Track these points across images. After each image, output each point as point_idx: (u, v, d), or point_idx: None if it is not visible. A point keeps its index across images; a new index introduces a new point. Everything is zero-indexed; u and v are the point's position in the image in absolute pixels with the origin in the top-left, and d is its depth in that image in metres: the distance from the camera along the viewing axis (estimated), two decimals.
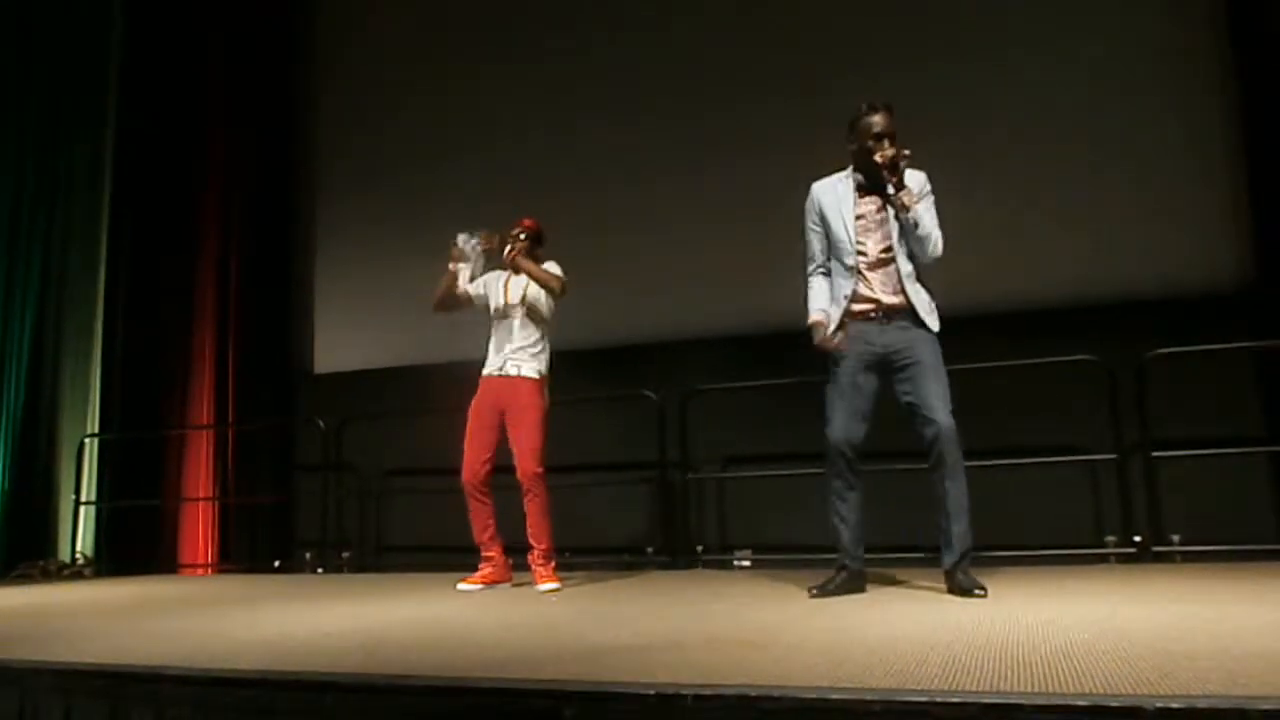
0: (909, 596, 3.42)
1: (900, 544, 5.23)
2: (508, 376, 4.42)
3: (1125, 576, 3.98)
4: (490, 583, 4.44)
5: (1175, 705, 1.55)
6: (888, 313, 3.46)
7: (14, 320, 7.72)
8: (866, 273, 3.49)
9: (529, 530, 4.34)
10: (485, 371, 4.51)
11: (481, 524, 4.43)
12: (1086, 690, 1.70)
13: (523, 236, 4.54)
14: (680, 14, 6.45)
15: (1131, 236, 5.35)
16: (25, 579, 6.59)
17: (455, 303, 4.62)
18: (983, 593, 3.26)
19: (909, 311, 3.44)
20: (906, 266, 3.47)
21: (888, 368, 3.47)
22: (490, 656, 2.42)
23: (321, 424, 6.76)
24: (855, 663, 2.04)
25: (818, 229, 3.62)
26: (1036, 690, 1.72)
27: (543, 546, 4.35)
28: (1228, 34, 5.30)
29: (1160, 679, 1.76)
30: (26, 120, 7.98)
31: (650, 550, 5.79)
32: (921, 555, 5.04)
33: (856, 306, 3.48)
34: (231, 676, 2.28)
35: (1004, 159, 5.59)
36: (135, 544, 7.04)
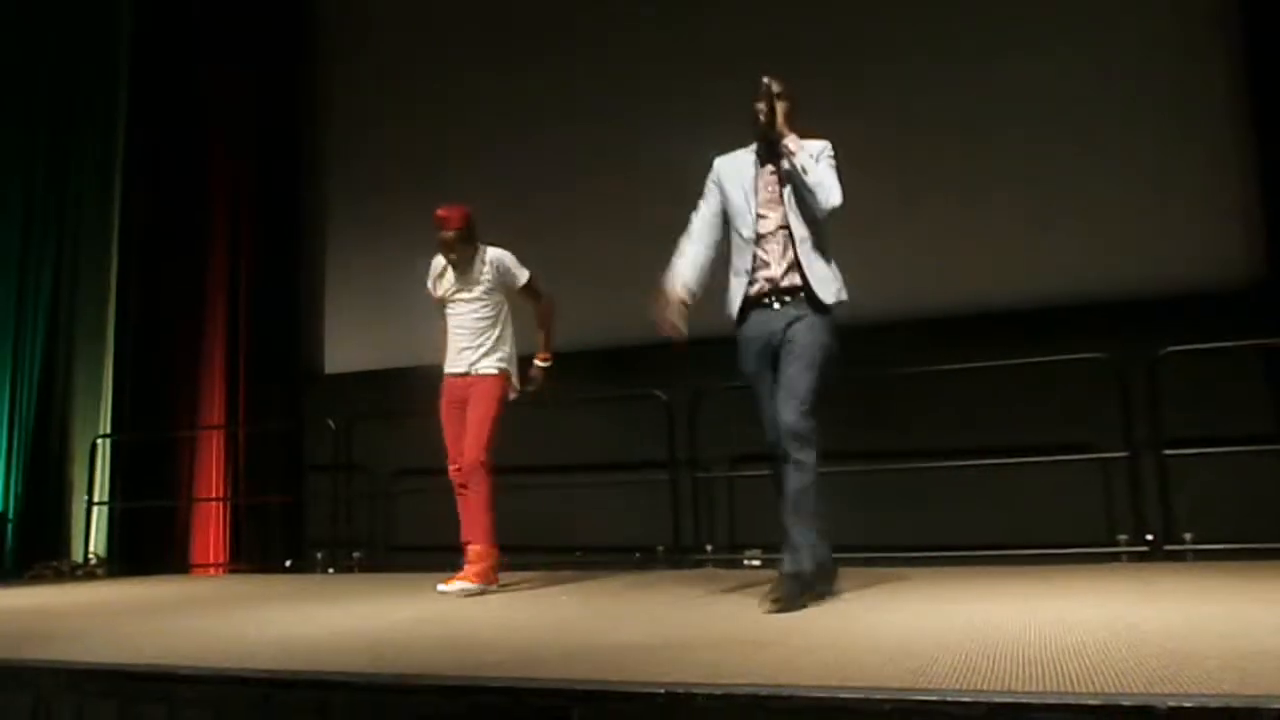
0: (919, 597, 3.41)
1: (907, 544, 5.23)
2: (468, 375, 4.31)
3: (1137, 575, 3.96)
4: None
5: (1187, 704, 1.54)
6: (784, 294, 3.29)
7: (27, 323, 7.76)
8: (765, 243, 3.33)
9: (465, 524, 4.20)
10: (446, 369, 4.39)
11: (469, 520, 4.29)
12: (1098, 689, 1.69)
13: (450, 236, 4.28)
14: (685, 14, 6.44)
15: (1143, 234, 5.32)
16: (39, 579, 6.62)
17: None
18: (772, 607, 2.94)
19: (804, 289, 3.27)
20: (803, 232, 3.30)
21: (776, 354, 3.30)
22: (499, 656, 2.42)
23: (332, 424, 6.77)
24: (866, 662, 2.04)
25: (710, 197, 3.48)
26: (1048, 689, 1.71)
27: (479, 540, 4.17)
28: (1239, 28, 5.27)
29: (1172, 678, 1.75)
30: (37, 127, 8.03)
31: (659, 550, 5.79)
32: (929, 555, 5.04)
33: (755, 288, 3.32)
34: (243, 676, 2.29)
35: (1013, 157, 5.56)
36: (147, 544, 7.07)
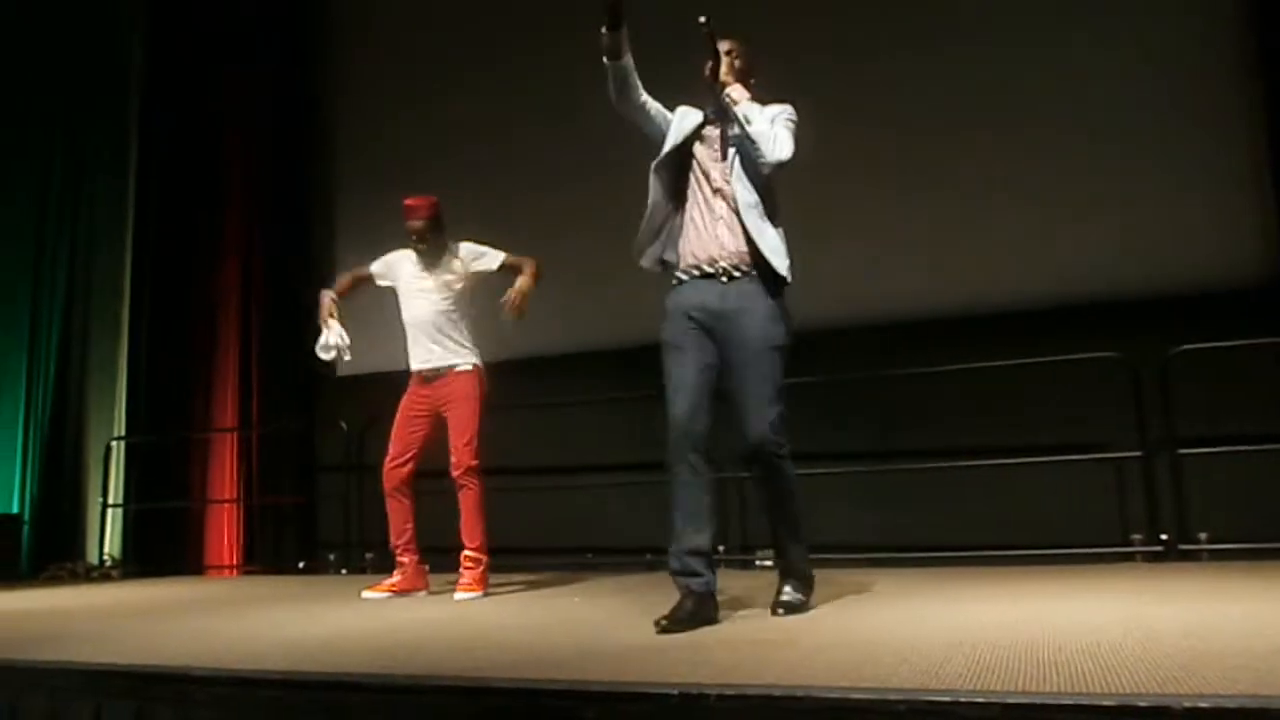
0: (931, 597, 3.40)
1: (919, 544, 5.21)
2: (439, 373, 4.22)
3: (1152, 575, 3.94)
4: (399, 591, 4.23)
5: (1203, 705, 1.53)
6: (729, 265, 2.99)
7: (42, 327, 7.82)
8: (710, 200, 3.05)
9: (461, 528, 4.14)
10: (413, 367, 4.30)
11: (399, 526, 4.26)
12: (1113, 690, 1.69)
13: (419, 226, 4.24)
14: (693, 14, 6.42)
15: (1156, 232, 5.28)
16: (54, 581, 6.67)
17: (364, 287, 4.46)
18: (783, 612, 2.93)
19: (752, 259, 2.97)
20: (749, 198, 3.01)
21: (714, 334, 2.97)
22: (512, 657, 2.43)
23: (344, 425, 6.79)
24: (878, 663, 2.03)
25: (658, 110, 3.19)
26: (1062, 690, 1.70)
27: (473, 546, 4.12)
28: (1253, 24, 5.24)
29: (1188, 678, 1.74)
30: (52, 129, 8.09)
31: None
32: (941, 555, 5.03)
33: (694, 256, 3.03)
34: (257, 677, 2.30)
35: (1024, 155, 5.53)
36: (161, 546, 7.10)
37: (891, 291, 5.64)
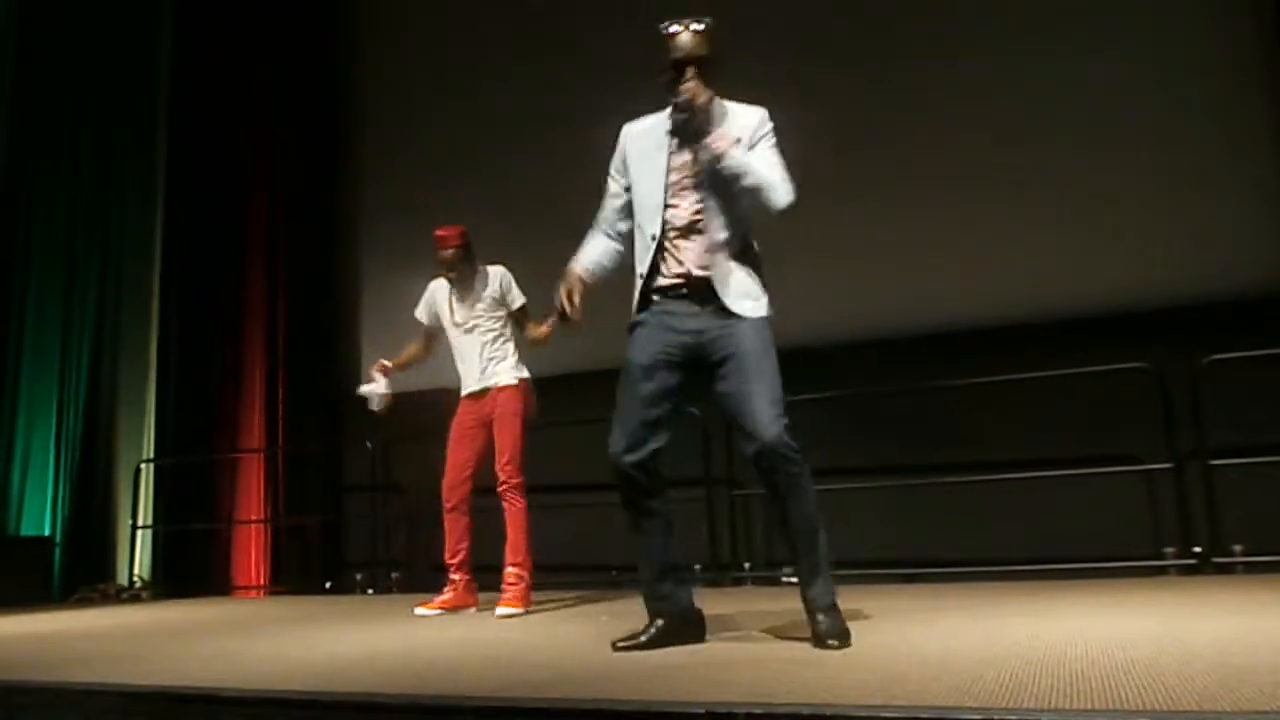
0: (961, 612, 3.36)
1: (948, 560, 5.16)
2: (487, 390, 4.32)
3: (1186, 589, 3.88)
4: (451, 608, 4.28)
5: None
6: (700, 290, 2.71)
7: (73, 352, 7.92)
8: (676, 240, 2.75)
9: (507, 544, 4.16)
10: (464, 391, 4.40)
11: (454, 544, 4.31)
12: (1148, 707, 1.66)
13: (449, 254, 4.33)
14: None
15: (1184, 240, 5.23)
16: (85, 602, 6.73)
17: (428, 353, 4.63)
18: (836, 644, 2.53)
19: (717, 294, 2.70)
20: (720, 235, 2.71)
21: (698, 362, 2.73)
22: (539, 676, 2.42)
23: (369, 445, 6.83)
24: (909, 680, 2.01)
25: (618, 179, 2.91)
26: (1097, 708, 1.68)
27: (515, 562, 4.14)
28: (1277, 32, 5.20)
29: (1225, 694, 1.71)
30: (82, 155, 8.20)
31: (697, 568, 5.76)
32: (970, 571, 4.98)
33: (660, 282, 2.76)
34: (285, 697, 2.30)
35: (1049, 164, 5.50)
36: (190, 566, 7.16)
37: (916, 305, 5.61)
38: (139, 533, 7.32)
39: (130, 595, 7.03)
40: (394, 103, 7.52)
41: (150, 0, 8.24)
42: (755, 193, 2.68)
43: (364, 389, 4.58)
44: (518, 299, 4.44)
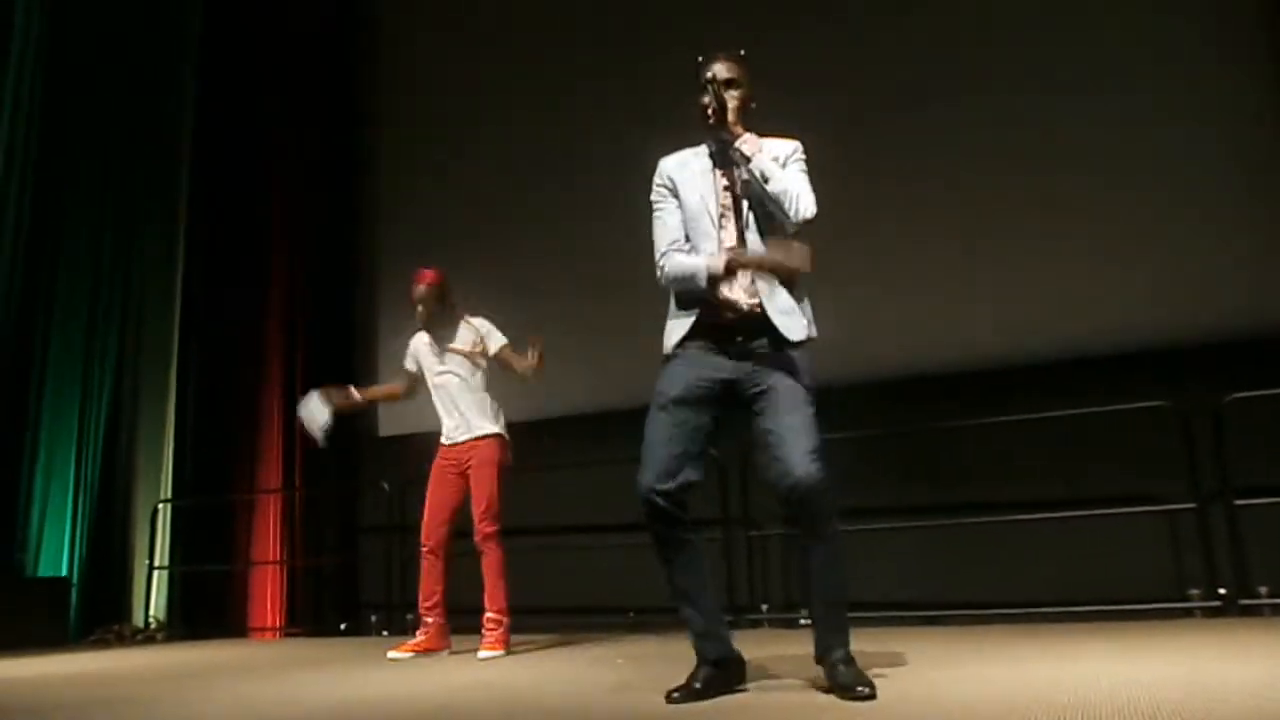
0: (984, 656, 3.32)
1: (970, 602, 5.10)
2: (464, 440, 4.40)
3: (1211, 631, 3.82)
4: (423, 650, 4.37)
5: None
6: (745, 326, 2.70)
7: (92, 394, 7.97)
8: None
9: (485, 592, 4.29)
10: (443, 440, 4.49)
11: (429, 588, 4.40)
12: None
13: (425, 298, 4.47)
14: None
15: (1203, 277, 5.20)
16: (101, 644, 6.71)
17: (405, 396, 4.70)
18: (866, 691, 2.42)
19: (765, 320, 2.69)
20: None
21: (736, 399, 2.71)
22: None
23: (385, 486, 6.83)
24: None
25: (670, 201, 2.87)
26: None
27: (495, 609, 4.28)
28: None
29: None
30: (106, 194, 8.30)
31: None
32: (993, 613, 4.91)
33: (709, 317, 2.73)
34: None
35: (1064, 200, 5.49)
36: (206, 608, 7.15)
37: (939, 345, 5.60)
38: (155, 573, 7.32)
39: (145, 637, 7.02)
40: (416, 141, 7.59)
41: (174, 40, 8.41)
42: (779, 200, 2.69)
43: (306, 411, 4.52)
44: (497, 341, 4.51)
